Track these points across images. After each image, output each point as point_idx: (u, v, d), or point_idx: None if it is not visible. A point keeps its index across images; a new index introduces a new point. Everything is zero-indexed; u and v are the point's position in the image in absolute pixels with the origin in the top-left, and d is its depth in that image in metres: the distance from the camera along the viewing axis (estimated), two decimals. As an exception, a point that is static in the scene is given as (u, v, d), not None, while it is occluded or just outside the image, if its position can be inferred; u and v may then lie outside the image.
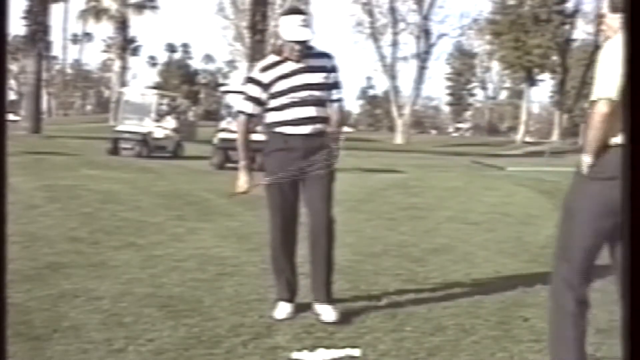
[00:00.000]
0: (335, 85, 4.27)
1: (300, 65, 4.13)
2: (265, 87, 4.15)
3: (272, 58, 4.23)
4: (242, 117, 4.28)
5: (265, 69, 4.18)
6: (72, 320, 3.88)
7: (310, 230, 4.25)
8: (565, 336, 3.24)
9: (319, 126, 4.18)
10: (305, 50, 4.12)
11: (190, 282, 4.88)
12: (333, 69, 4.26)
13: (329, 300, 4.19)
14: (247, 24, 35.10)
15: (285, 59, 4.14)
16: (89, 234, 6.60)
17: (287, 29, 4.09)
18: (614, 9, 3.22)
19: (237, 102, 4.41)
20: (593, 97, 3.07)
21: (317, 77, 4.17)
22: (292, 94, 4.12)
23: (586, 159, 3.09)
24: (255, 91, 4.19)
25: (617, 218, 2.98)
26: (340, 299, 4.52)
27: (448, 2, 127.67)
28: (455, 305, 4.52)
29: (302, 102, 4.14)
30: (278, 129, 4.18)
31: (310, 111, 4.15)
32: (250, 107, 4.22)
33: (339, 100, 4.32)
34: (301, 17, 4.12)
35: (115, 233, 6.75)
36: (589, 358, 3.56)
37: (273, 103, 4.17)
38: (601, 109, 3.01)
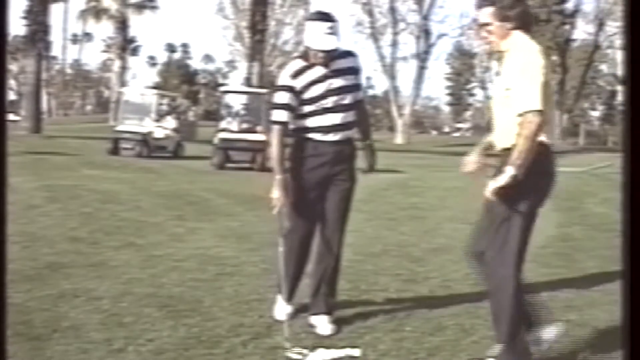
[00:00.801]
0: (360, 87, 4.17)
1: (330, 69, 3.98)
2: (298, 93, 3.97)
3: (299, 63, 4.02)
4: (277, 127, 4.03)
5: (295, 75, 3.98)
6: (72, 320, 3.88)
7: (320, 244, 4.13)
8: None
9: (348, 132, 4.07)
10: (331, 54, 3.96)
11: (190, 282, 4.88)
12: (359, 69, 4.13)
13: (327, 311, 4.07)
14: (247, 24, 35.06)
15: (313, 64, 3.98)
16: (89, 234, 6.60)
17: (313, 35, 3.92)
18: (502, 17, 3.29)
19: (271, 112, 4.17)
20: (524, 110, 3.13)
21: (348, 80, 4.03)
22: (325, 100, 3.97)
23: (514, 173, 3.13)
24: (286, 98, 3.99)
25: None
26: (340, 299, 4.52)
27: (448, 2, 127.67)
28: (455, 305, 4.51)
29: (334, 108, 3.99)
30: (308, 135, 4.03)
31: (342, 117, 4.01)
32: (284, 115, 4.00)
33: (362, 101, 4.21)
34: (328, 24, 3.90)
35: (115, 233, 6.75)
36: (589, 358, 3.57)
37: (305, 109, 4.00)
38: (537, 120, 3.09)
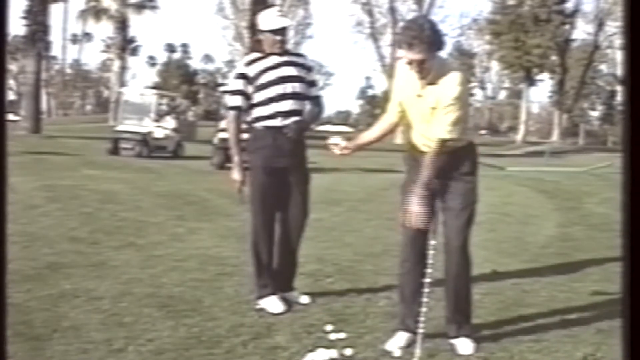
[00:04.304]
0: (314, 83, 4.48)
1: (284, 58, 4.29)
2: (251, 80, 4.24)
3: (255, 54, 4.34)
4: (233, 113, 4.34)
5: (250, 63, 4.29)
6: (72, 320, 3.88)
7: (286, 229, 4.39)
8: None
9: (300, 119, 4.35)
10: (285, 46, 4.33)
11: (190, 282, 4.88)
12: (311, 68, 4.46)
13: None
14: (247, 24, 35.06)
15: (268, 55, 4.27)
16: (89, 234, 6.60)
17: (266, 20, 4.27)
18: (408, 45, 3.40)
19: (227, 99, 4.52)
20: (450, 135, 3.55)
21: (299, 71, 4.33)
22: (278, 86, 4.23)
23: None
24: (240, 84, 4.28)
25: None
26: (340, 298, 4.53)
27: (448, 2, 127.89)
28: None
29: (287, 95, 4.26)
30: (264, 123, 4.26)
31: (294, 104, 4.28)
32: (238, 100, 4.30)
33: (318, 96, 4.48)
34: (277, 8, 4.39)
35: (115, 233, 6.75)
36: (589, 358, 3.57)
37: (258, 97, 4.25)
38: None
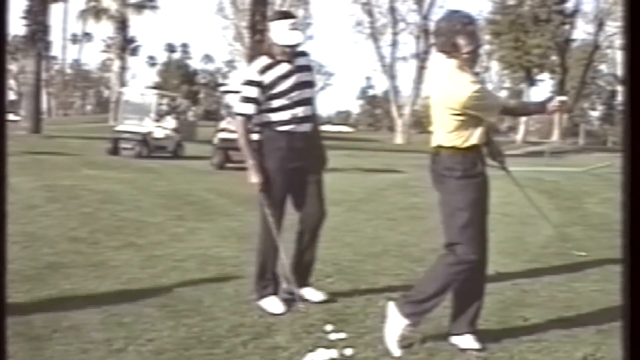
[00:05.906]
0: (315, 84, 4.51)
1: (294, 65, 4.30)
2: (265, 88, 4.23)
3: (265, 60, 4.31)
4: (241, 119, 4.32)
5: (263, 70, 4.26)
6: (72, 320, 3.88)
7: (305, 228, 4.43)
8: None
9: (314, 124, 4.40)
10: (295, 50, 4.32)
11: (190, 282, 4.88)
12: (313, 67, 4.49)
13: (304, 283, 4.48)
14: (247, 24, 34.98)
15: (278, 61, 4.27)
16: (89, 234, 6.60)
17: (278, 33, 4.23)
18: (469, 35, 3.38)
19: (236, 105, 4.44)
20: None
21: (308, 76, 4.37)
22: (293, 94, 4.25)
23: None
24: (254, 92, 4.25)
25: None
26: (340, 299, 4.53)
27: (448, 2, 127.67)
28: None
29: (302, 102, 4.29)
30: (280, 128, 4.27)
31: (308, 110, 4.33)
32: (251, 109, 4.28)
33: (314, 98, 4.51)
34: (290, 20, 4.28)
35: (115, 233, 6.75)
36: (589, 358, 3.57)
37: (275, 103, 4.26)
38: None
